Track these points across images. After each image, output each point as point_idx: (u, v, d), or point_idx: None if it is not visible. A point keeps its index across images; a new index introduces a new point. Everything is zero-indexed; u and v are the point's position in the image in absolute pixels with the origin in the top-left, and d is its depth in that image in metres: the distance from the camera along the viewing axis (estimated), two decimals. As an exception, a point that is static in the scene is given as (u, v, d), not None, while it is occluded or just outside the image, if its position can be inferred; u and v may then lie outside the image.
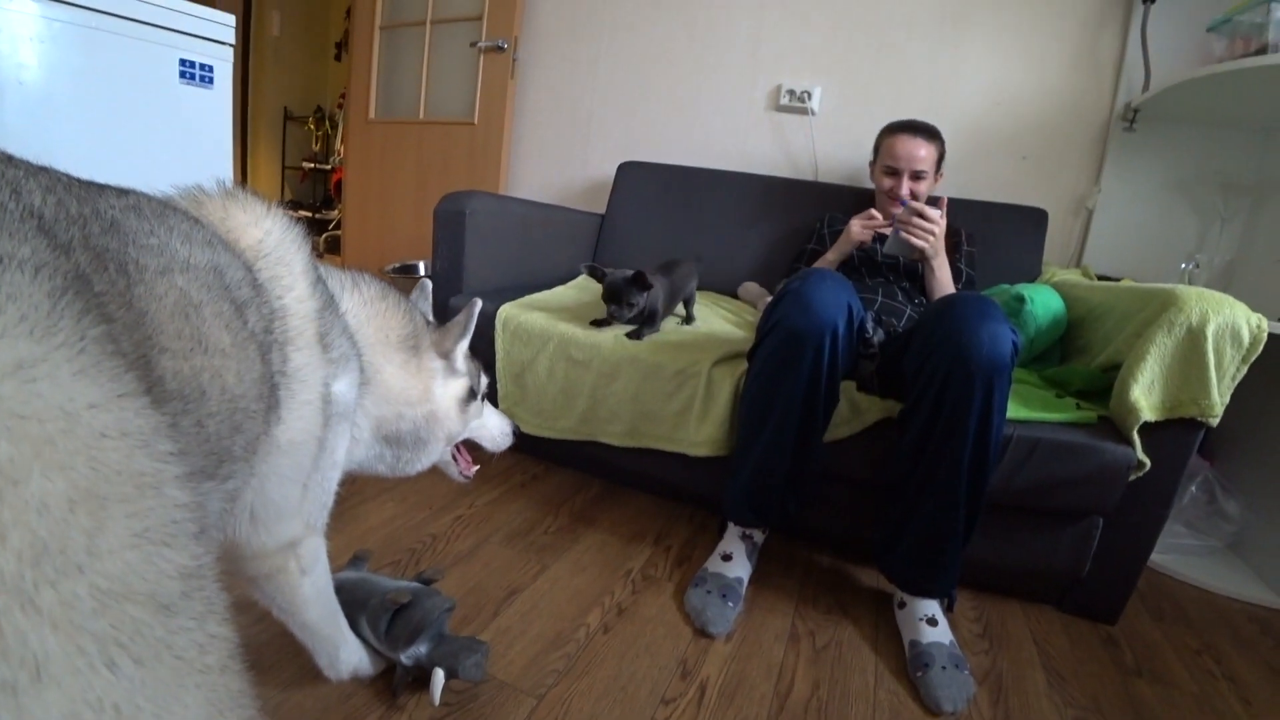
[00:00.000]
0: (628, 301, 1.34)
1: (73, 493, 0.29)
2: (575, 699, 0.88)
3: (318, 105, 4.22)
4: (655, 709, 0.88)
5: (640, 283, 1.33)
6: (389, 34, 2.63)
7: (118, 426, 0.31)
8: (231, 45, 1.78)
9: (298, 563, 0.71)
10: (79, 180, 0.43)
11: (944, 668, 0.97)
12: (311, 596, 0.75)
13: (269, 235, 0.59)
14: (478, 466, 1.00)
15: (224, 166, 1.84)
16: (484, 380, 0.97)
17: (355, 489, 1.35)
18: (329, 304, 0.66)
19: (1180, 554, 1.47)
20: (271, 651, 0.88)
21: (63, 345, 0.30)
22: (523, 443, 1.42)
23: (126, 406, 0.32)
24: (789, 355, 1.04)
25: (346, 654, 0.83)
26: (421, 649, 0.84)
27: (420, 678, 0.84)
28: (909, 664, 1.01)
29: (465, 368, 0.89)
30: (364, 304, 0.76)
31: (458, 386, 0.87)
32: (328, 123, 4.15)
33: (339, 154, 4.01)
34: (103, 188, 0.46)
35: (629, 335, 1.37)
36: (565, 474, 1.55)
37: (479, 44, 2.33)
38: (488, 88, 2.35)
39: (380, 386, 0.77)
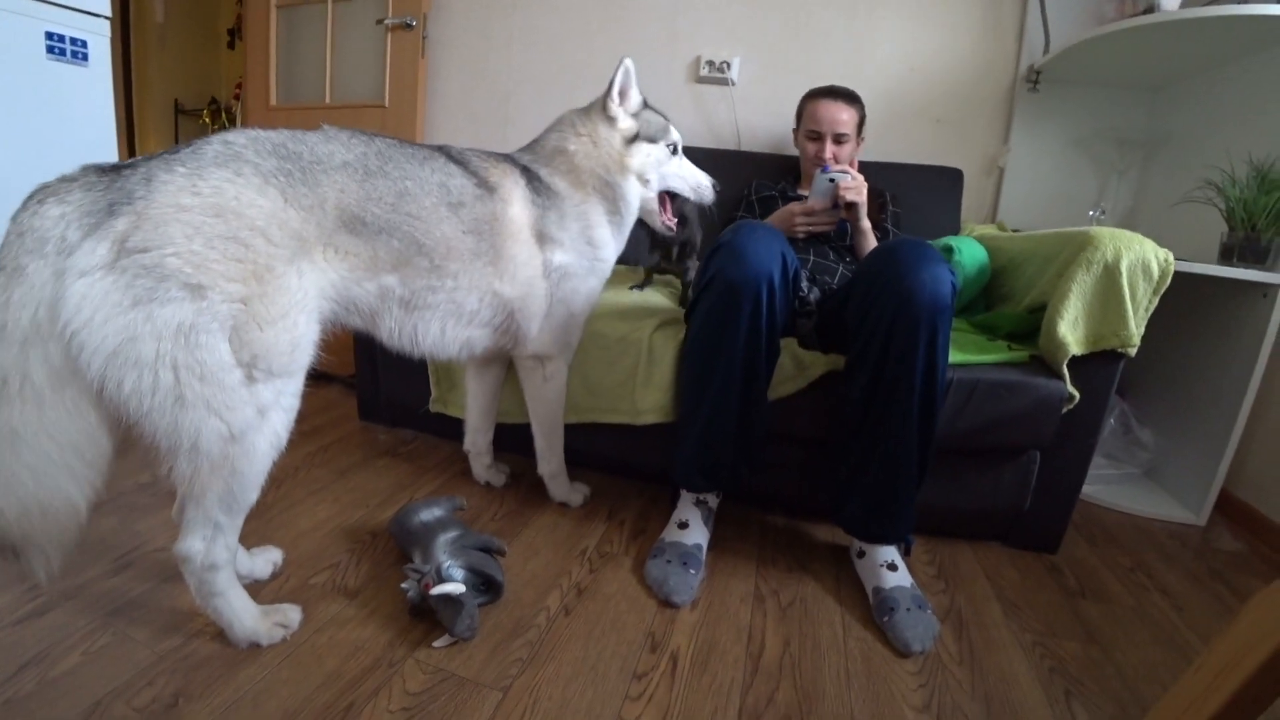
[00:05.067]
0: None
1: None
2: (544, 685, 0.83)
3: (212, 97, 3.90)
4: (629, 684, 0.85)
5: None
6: (287, 13, 2.44)
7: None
8: (107, 18, 1.60)
9: (543, 371, 1.17)
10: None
11: (908, 610, 0.98)
12: (541, 397, 1.19)
13: (505, 178, 1.05)
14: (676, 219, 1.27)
15: (109, 154, 1.65)
16: (674, 134, 1.22)
17: (281, 493, 1.24)
18: (546, 209, 1.07)
19: (1104, 483, 1.56)
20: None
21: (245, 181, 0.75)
22: (460, 431, 1.36)
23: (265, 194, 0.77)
24: (727, 308, 1.02)
25: (560, 463, 1.27)
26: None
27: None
28: (874, 610, 1.02)
29: (620, 115, 1.15)
30: (542, 161, 1.14)
31: (620, 130, 1.15)
32: (224, 115, 3.85)
33: (238, 150, 3.72)
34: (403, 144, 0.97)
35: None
36: (507, 459, 1.48)
37: (386, 21, 2.20)
38: (397, 67, 2.23)
39: (578, 173, 1.13)
